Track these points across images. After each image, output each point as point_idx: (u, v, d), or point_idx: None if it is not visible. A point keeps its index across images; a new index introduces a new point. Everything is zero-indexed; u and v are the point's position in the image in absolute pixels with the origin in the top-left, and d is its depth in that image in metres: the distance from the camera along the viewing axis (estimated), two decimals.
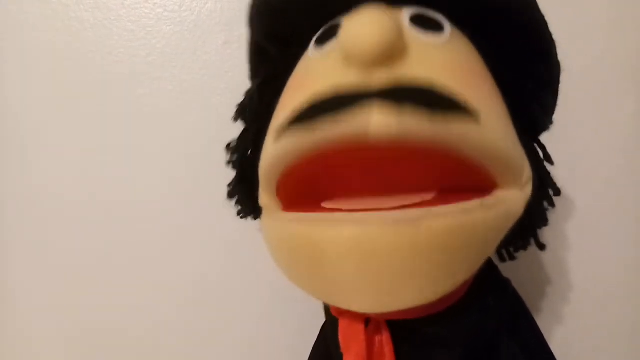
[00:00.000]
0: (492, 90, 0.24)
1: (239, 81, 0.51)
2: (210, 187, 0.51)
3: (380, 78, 0.20)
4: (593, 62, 0.48)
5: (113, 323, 0.53)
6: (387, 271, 0.21)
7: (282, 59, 0.28)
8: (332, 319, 0.30)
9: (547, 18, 0.27)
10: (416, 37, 0.23)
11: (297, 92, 0.23)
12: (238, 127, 0.33)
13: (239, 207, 0.33)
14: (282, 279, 0.26)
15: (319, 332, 0.37)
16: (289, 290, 0.50)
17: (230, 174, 0.34)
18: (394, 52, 0.21)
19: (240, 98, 0.51)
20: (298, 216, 0.24)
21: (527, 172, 0.25)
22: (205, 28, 0.52)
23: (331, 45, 0.23)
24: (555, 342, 0.31)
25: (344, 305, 0.23)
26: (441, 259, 0.21)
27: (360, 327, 0.27)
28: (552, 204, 0.30)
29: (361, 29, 0.20)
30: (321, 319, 0.36)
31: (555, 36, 0.27)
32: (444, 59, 0.22)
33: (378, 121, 0.19)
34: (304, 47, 0.26)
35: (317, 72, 0.23)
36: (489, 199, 0.23)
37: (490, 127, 0.22)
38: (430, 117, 0.20)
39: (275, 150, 0.23)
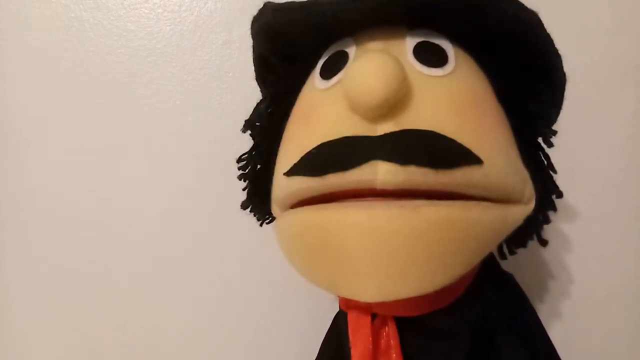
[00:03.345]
0: (496, 119, 0.25)
1: (239, 81, 0.51)
2: (211, 186, 0.52)
3: (385, 129, 0.21)
4: (593, 62, 0.48)
5: (113, 324, 0.53)
6: (388, 256, 0.21)
7: (287, 76, 0.29)
8: (343, 314, 0.31)
9: (548, 18, 0.27)
10: (420, 73, 0.23)
11: (304, 128, 0.25)
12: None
13: (254, 214, 0.35)
14: (289, 277, 0.26)
15: (329, 325, 0.38)
16: (298, 288, 0.50)
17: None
18: (398, 101, 0.21)
19: (239, 98, 0.51)
20: (308, 207, 0.25)
21: (528, 191, 0.26)
22: (205, 28, 0.52)
23: (337, 79, 0.24)
24: (556, 340, 0.31)
25: (348, 293, 0.24)
26: (438, 249, 0.22)
27: (366, 321, 0.28)
28: (554, 209, 0.30)
29: (365, 80, 0.21)
30: (330, 315, 0.36)
31: (555, 36, 0.27)
32: (447, 97, 0.23)
33: (384, 175, 0.21)
34: (307, 64, 0.27)
35: (323, 110, 0.24)
36: (487, 202, 0.24)
37: (494, 168, 0.23)
38: (435, 170, 0.21)
39: (287, 187, 0.25)
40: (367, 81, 0.20)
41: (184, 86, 0.52)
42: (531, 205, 0.26)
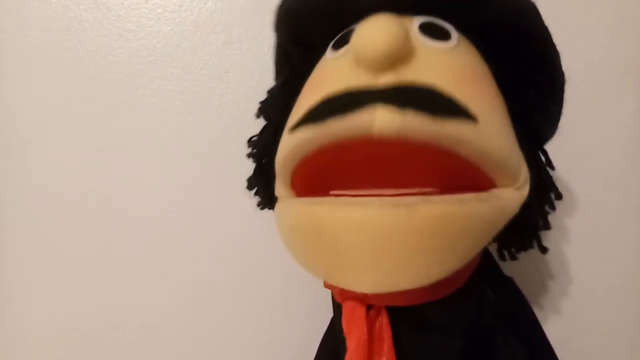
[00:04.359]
0: (494, 96, 0.26)
1: (239, 81, 0.51)
2: (211, 186, 0.52)
3: (387, 80, 0.22)
4: (593, 62, 0.48)
5: (113, 324, 0.53)
6: (383, 251, 0.22)
7: (303, 62, 0.30)
8: (337, 307, 0.31)
9: (548, 18, 0.27)
10: (423, 43, 0.24)
11: (312, 92, 0.25)
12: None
13: (258, 198, 0.36)
14: (289, 277, 0.26)
15: (327, 327, 0.38)
16: (297, 289, 0.51)
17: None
18: (400, 56, 0.22)
19: (239, 98, 0.51)
20: (307, 199, 0.26)
21: (524, 174, 0.26)
22: (205, 28, 0.52)
23: (345, 49, 0.25)
24: (555, 340, 0.31)
25: (344, 284, 0.24)
26: (434, 244, 0.22)
27: (361, 312, 0.28)
28: (553, 208, 0.30)
29: (371, 34, 0.22)
30: (329, 316, 0.36)
31: (555, 36, 0.28)
32: (448, 64, 0.24)
33: (382, 119, 0.21)
34: (323, 51, 0.28)
35: (330, 73, 0.25)
36: (483, 194, 0.24)
37: (488, 130, 0.23)
38: (431, 117, 0.21)
39: (290, 142, 0.25)
40: (371, 34, 0.22)
41: (184, 86, 0.52)
42: (525, 190, 0.26)
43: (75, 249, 0.53)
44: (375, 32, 0.22)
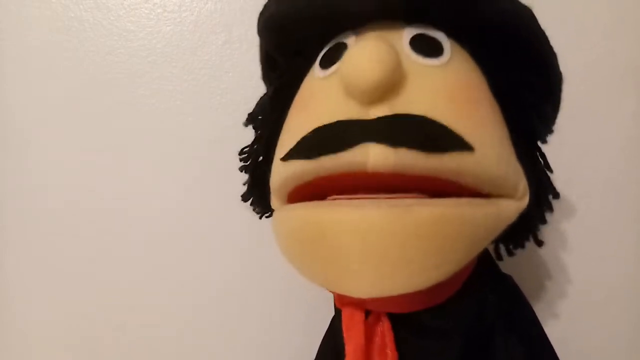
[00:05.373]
0: (490, 111, 0.25)
1: (239, 81, 0.52)
2: (211, 186, 0.52)
3: (379, 113, 0.22)
4: (593, 62, 0.48)
5: (113, 324, 0.53)
6: (380, 253, 0.22)
7: (290, 70, 0.30)
8: (338, 311, 0.31)
9: (547, 19, 0.27)
10: (415, 63, 0.24)
11: (302, 115, 0.25)
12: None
13: (254, 208, 0.35)
14: (289, 277, 0.26)
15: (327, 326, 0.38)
16: (297, 289, 0.51)
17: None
18: (392, 86, 0.22)
19: (239, 98, 0.51)
20: (303, 204, 0.25)
21: (522, 187, 0.26)
22: (205, 28, 0.52)
23: (335, 68, 0.25)
24: (555, 340, 0.31)
25: (341, 289, 0.24)
26: (430, 246, 0.22)
27: (360, 318, 0.28)
28: (551, 209, 0.30)
29: (360, 64, 0.21)
30: (329, 316, 0.36)
31: (555, 37, 0.28)
32: (441, 85, 0.23)
33: (376, 157, 0.21)
34: (310, 58, 0.28)
35: (320, 97, 0.25)
36: (480, 199, 0.24)
37: (484, 156, 0.23)
38: (426, 153, 0.21)
39: (284, 172, 0.25)
40: (362, 64, 0.21)
41: (184, 86, 0.52)
42: (525, 201, 0.26)
43: (75, 249, 0.53)
44: (365, 60, 0.21)
